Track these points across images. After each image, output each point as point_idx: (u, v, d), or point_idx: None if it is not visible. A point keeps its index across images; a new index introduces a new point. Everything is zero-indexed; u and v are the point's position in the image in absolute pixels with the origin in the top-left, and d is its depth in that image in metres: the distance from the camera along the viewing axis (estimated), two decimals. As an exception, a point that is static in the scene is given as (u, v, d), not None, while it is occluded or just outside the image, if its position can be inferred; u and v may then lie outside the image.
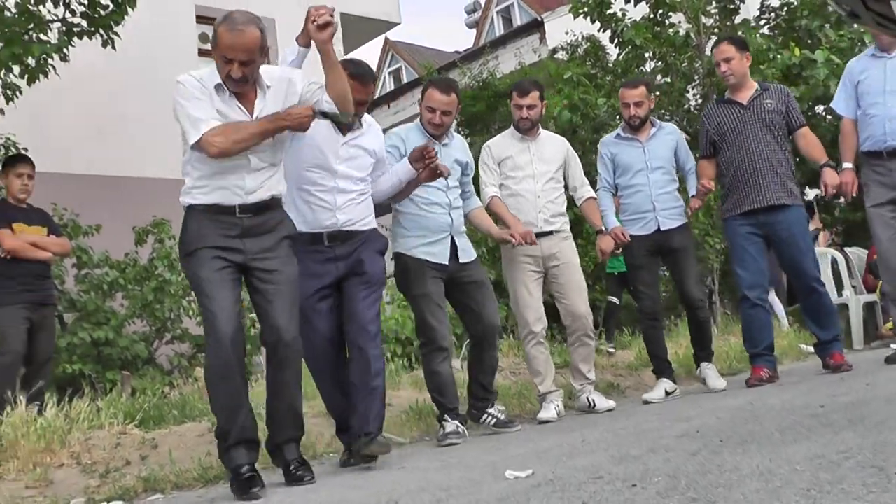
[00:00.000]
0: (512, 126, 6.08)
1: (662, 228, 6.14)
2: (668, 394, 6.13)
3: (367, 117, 4.83)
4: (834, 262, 9.84)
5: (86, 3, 7.63)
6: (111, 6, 7.66)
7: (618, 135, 6.42)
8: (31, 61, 7.28)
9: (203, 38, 12.88)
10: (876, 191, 5.93)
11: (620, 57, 12.41)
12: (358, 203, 4.61)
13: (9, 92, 7.89)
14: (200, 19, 13.33)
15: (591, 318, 5.87)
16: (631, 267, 6.48)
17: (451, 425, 5.07)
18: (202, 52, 12.70)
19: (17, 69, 7.36)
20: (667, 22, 11.91)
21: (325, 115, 4.25)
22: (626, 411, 5.68)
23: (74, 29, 7.61)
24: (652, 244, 6.18)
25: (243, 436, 3.95)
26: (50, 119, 11.11)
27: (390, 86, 29.67)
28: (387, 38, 28.05)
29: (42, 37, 7.37)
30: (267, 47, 3.99)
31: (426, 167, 4.78)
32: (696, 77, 11.89)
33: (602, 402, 5.85)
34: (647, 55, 12.09)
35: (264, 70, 4.04)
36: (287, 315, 4.01)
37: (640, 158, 6.22)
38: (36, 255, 6.43)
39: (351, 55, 15.38)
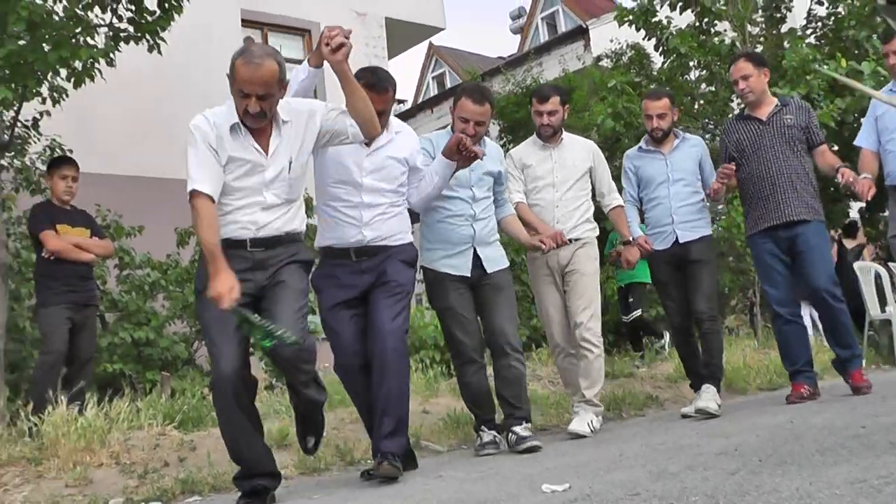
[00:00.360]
0: (535, 133, 5.94)
1: (681, 241, 6.02)
2: (706, 407, 6.05)
3: (396, 124, 4.70)
4: (878, 276, 9.68)
5: (133, 8, 7.71)
6: (158, 12, 7.73)
7: (640, 147, 6.34)
8: (77, 65, 7.36)
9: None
10: None
11: (665, 65, 12.34)
12: (388, 217, 4.50)
13: (55, 94, 7.99)
14: (246, 23, 13.45)
15: (592, 330, 5.61)
16: (656, 283, 6.44)
17: (487, 435, 5.05)
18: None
19: (63, 72, 7.44)
20: (712, 30, 11.83)
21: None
22: (664, 425, 5.62)
23: (121, 34, 7.69)
24: (671, 257, 6.07)
25: (254, 468, 3.92)
26: (96, 122, 11.27)
27: (434, 90, 29.78)
28: (431, 43, 28.20)
29: (89, 41, 7.45)
30: (286, 81, 3.90)
31: (464, 157, 4.66)
32: (740, 87, 11.77)
33: (577, 426, 5.42)
34: (691, 64, 12.02)
35: (283, 104, 3.93)
36: (292, 318, 3.78)
37: (663, 171, 6.13)
38: (79, 256, 6.50)
39: (395, 60, 15.49)
